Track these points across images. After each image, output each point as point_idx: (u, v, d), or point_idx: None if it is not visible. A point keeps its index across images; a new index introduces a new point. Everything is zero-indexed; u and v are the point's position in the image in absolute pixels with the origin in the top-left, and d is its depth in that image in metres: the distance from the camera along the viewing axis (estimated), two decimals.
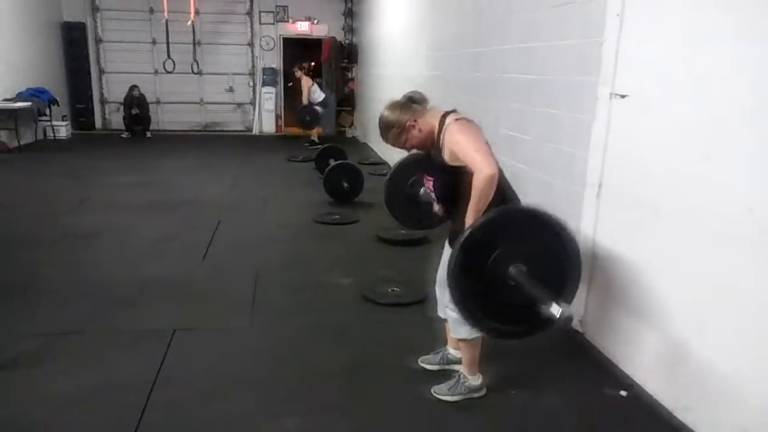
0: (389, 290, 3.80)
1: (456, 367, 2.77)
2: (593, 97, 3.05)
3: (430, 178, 2.47)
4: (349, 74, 12.57)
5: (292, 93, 12.48)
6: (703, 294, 2.33)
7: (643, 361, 2.72)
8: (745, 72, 2.15)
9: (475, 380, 2.59)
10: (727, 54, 2.23)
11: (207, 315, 3.47)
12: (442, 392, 2.59)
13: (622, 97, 2.88)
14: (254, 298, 3.71)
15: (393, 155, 8.71)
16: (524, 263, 1.91)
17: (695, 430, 2.37)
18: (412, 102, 2.40)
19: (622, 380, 2.79)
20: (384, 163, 8.91)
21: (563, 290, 2.03)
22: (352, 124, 12.87)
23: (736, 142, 2.18)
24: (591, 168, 3.10)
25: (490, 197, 2.19)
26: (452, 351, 2.83)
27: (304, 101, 10.23)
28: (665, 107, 2.58)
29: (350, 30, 12.38)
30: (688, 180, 2.42)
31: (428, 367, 2.85)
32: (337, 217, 5.69)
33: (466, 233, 1.96)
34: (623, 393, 2.68)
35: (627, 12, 2.82)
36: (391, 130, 2.40)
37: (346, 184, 6.24)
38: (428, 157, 2.99)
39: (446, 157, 2.31)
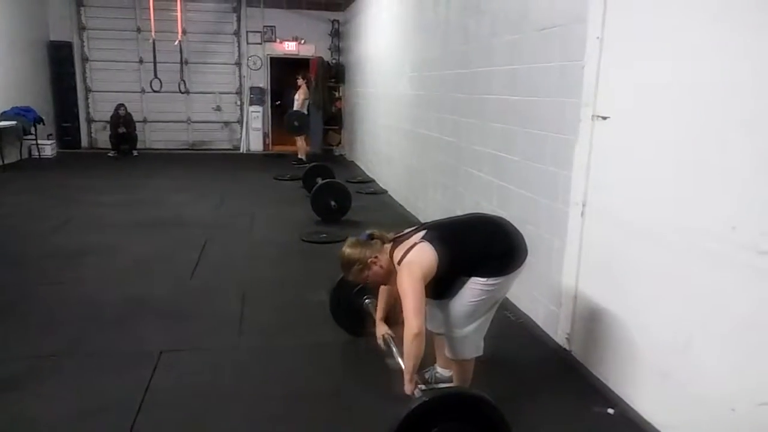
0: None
1: (444, 386, 2.79)
2: (576, 119, 3.12)
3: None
4: (336, 93, 12.66)
5: (279, 113, 12.59)
6: (689, 311, 2.37)
7: (630, 378, 2.74)
8: (726, 92, 2.21)
9: None
10: (707, 75, 2.29)
11: (194, 335, 3.46)
12: None
13: (604, 118, 2.94)
14: (242, 317, 3.71)
15: (381, 174, 8.81)
16: None
17: None
18: (372, 238, 2.49)
19: (609, 398, 2.81)
20: (371, 181, 8.98)
21: None
22: (339, 142, 12.93)
23: (718, 161, 2.23)
24: (575, 188, 3.16)
25: (421, 352, 2.29)
26: (440, 369, 2.85)
27: (296, 107, 10.40)
28: (646, 128, 2.65)
29: (337, 50, 12.49)
30: (671, 199, 2.48)
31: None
32: (325, 235, 5.70)
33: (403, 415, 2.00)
34: (610, 411, 2.71)
35: (607, 35, 2.90)
36: (352, 267, 2.51)
37: (333, 203, 6.27)
38: None
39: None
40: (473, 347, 2.52)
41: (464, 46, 4.86)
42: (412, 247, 2.40)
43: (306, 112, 10.70)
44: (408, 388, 2.31)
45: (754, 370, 2.09)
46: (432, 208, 5.91)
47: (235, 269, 4.70)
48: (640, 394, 2.68)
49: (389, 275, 2.50)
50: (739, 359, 2.15)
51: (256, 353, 3.26)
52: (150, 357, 3.10)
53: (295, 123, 10.49)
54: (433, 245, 2.37)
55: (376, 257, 2.48)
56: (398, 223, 6.39)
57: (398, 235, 2.56)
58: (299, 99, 10.51)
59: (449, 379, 2.82)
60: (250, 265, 4.81)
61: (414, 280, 2.30)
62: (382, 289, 2.77)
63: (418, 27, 6.46)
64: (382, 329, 2.75)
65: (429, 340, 2.78)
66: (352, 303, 3.21)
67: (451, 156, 5.27)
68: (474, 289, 2.42)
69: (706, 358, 2.29)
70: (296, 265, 4.90)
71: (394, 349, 2.58)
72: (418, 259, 2.36)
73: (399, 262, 2.41)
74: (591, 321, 3.08)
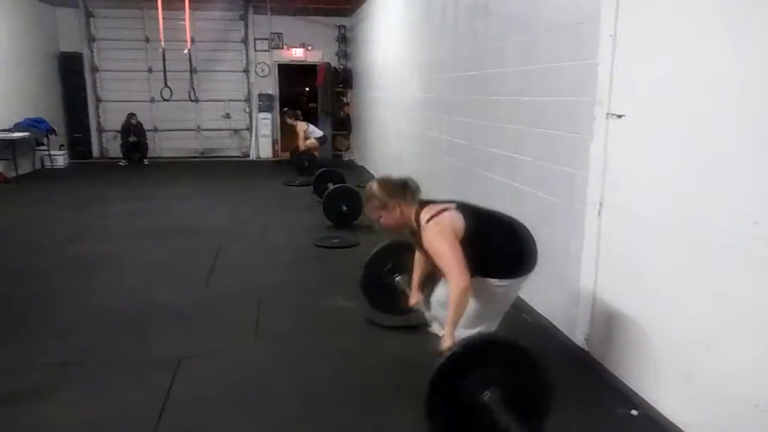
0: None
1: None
2: (590, 117, 3.10)
3: (429, 259, 2.55)
4: (345, 99, 12.69)
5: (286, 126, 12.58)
6: (710, 308, 2.35)
7: (652, 378, 2.72)
8: (744, 87, 2.19)
9: None
10: (723, 70, 2.28)
11: (212, 341, 3.47)
12: None
13: (619, 116, 2.93)
14: (258, 323, 3.71)
15: (384, 170, 8.76)
16: (498, 390, 1.97)
17: None
18: (405, 187, 2.47)
19: (631, 399, 2.78)
20: None
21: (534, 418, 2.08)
22: (348, 147, 12.95)
23: (738, 156, 2.22)
24: (591, 187, 3.14)
25: (467, 305, 2.30)
26: None
27: (301, 146, 10.21)
28: (662, 125, 2.63)
29: (344, 55, 12.53)
30: (689, 195, 2.46)
31: None
32: (337, 240, 5.71)
33: (443, 360, 2.02)
34: (634, 412, 2.68)
35: (620, 32, 2.88)
36: (372, 201, 2.52)
37: (345, 208, 6.27)
38: (404, 246, 3.08)
39: (426, 252, 2.43)
40: None
41: (474, 48, 4.86)
42: (442, 210, 2.41)
43: (319, 132, 10.48)
44: (448, 341, 2.30)
45: None
46: None
47: (249, 275, 4.71)
48: (663, 394, 2.65)
49: (403, 227, 2.49)
50: (763, 355, 2.13)
51: (273, 358, 3.26)
52: (170, 363, 3.11)
53: (306, 164, 10.12)
54: (463, 216, 2.38)
55: (398, 204, 2.45)
56: None
57: (429, 200, 2.54)
58: (300, 134, 10.13)
59: None
60: (264, 271, 4.82)
61: (447, 236, 2.32)
62: (418, 257, 2.76)
63: (426, 30, 6.46)
64: (417, 297, 2.77)
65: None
66: (384, 280, 3.19)
67: (462, 158, 5.26)
68: (483, 288, 2.41)
69: (730, 355, 2.27)
70: (310, 270, 4.90)
71: (427, 314, 2.60)
72: (447, 221, 2.37)
73: (427, 221, 2.39)
74: (610, 321, 3.05)
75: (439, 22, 5.87)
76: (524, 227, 2.63)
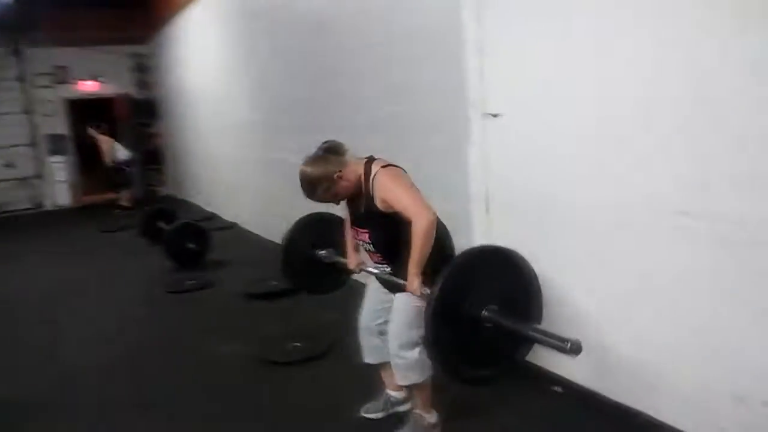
0: (291, 346, 3.55)
1: (401, 408, 2.68)
2: (465, 119, 3.20)
3: (364, 231, 2.35)
4: (151, 130, 11.76)
5: (87, 159, 11.29)
6: (610, 284, 2.56)
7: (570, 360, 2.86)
8: (608, 83, 2.45)
9: (432, 418, 2.50)
10: (591, 68, 2.51)
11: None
12: None
13: (495, 116, 3.06)
14: (139, 395, 3.20)
15: (224, 207, 8.31)
16: (495, 304, 1.91)
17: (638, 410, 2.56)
18: (332, 153, 2.29)
19: (554, 379, 2.90)
20: (213, 216, 8.43)
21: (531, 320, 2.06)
22: (163, 181, 12.02)
23: (604, 145, 2.51)
24: (475, 186, 3.23)
25: (432, 243, 2.17)
26: (393, 393, 2.71)
27: (108, 161, 9.46)
28: (536, 121, 2.81)
29: (144, 85, 11.61)
30: (571, 182, 2.67)
31: (373, 416, 2.69)
32: (193, 282, 5.20)
33: (441, 280, 1.89)
34: (558, 389, 2.81)
35: (487, 36, 3.00)
36: (319, 186, 2.26)
37: (192, 245, 5.76)
38: (318, 219, 2.90)
39: (378, 205, 2.24)
40: (423, 365, 2.39)
41: (323, 62, 4.79)
42: (393, 165, 2.29)
43: (127, 153, 9.75)
44: (413, 285, 2.15)
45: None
46: None
47: (99, 341, 4.05)
48: (581, 370, 2.80)
49: (356, 189, 2.29)
50: (670, 328, 2.36)
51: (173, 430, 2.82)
52: None
53: (117, 179, 9.53)
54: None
55: (340, 171, 2.25)
56: (264, 255, 6.12)
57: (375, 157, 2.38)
58: (105, 148, 9.54)
59: (403, 401, 2.70)
60: (117, 333, 4.18)
61: (402, 177, 2.23)
62: (347, 222, 2.58)
63: (255, 51, 6.23)
64: (356, 259, 2.62)
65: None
66: (307, 258, 2.93)
67: None
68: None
69: (641, 330, 2.48)
70: (175, 320, 4.39)
71: (372, 270, 2.48)
72: (401, 171, 2.27)
73: (380, 169, 2.24)
74: None
75: (267, 43, 5.69)
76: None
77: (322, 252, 2.91)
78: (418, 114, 3.61)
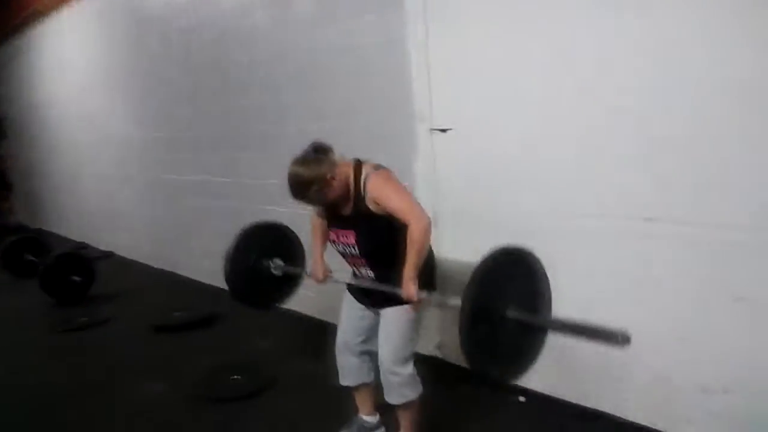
0: (230, 380, 3.26)
1: None
2: (411, 134, 3.20)
3: (349, 233, 2.21)
4: None
5: None
6: (568, 286, 2.67)
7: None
8: (561, 98, 2.60)
9: None
10: (540, 78, 2.65)
11: None
12: None
13: (443, 131, 3.10)
14: None
15: (97, 235, 7.49)
16: (520, 302, 1.89)
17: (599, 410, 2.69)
18: (323, 154, 2.16)
19: (516, 389, 2.91)
20: (84, 246, 7.59)
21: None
22: (10, 210, 10.62)
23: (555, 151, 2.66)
24: (422, 200, 3.22)
25: (428, 246, 2.14)
26: (367, 418, 2.59)
27: None
28: (489, 135, 2.89)
29: None
30: (520, 190, 2.80)
31: None
32: (85, 318, 4.61)
33: (473, 285, 1.82)
34: (522, 399, 2.86)
35: (432, 52, 3.04)
36: (310, 188, 2.12)
37: (76, 278, 5.13)
38: (262, 228, 2.73)
39: (370, 207, 2.15)
40: (416, 381, 2.35)
41: (228, 76, 4.54)
42: (382, 167, 2.23)
43: None
44: (409, 290, 2.07)
45: None
46: (206, 260, 5.34)
47: None
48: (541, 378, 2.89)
49: (345, 190, 2.18)
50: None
51: None
52: None
53: None
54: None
55: (332, 173, 2.13)
56: (156, 284, 5.63)
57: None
58: None
59: (376, 426, 2.59)
60: (10, 382, 3.56)
61: (396, 181, 2.18)
62: (317, 227, 2.46)
63: (144, 60, 5.74)
64: (324, 268, 2.49)
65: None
66: (256, 271, 2.68)
67: (232, 197, 4.85)
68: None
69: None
70: (73, 364, 3.81)
71: (345, 280, 2.41)
72: (391, 173, 2.22)
73: (373, 170, 2.18)
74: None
75: (171, 50, 5.27)
76: None
77: (271, 263, 2.72)
78: (364, 131, 3.51)
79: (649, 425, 2.52)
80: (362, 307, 2.41)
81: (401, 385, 2.29)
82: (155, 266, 6.19)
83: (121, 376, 3.52)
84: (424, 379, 2.38)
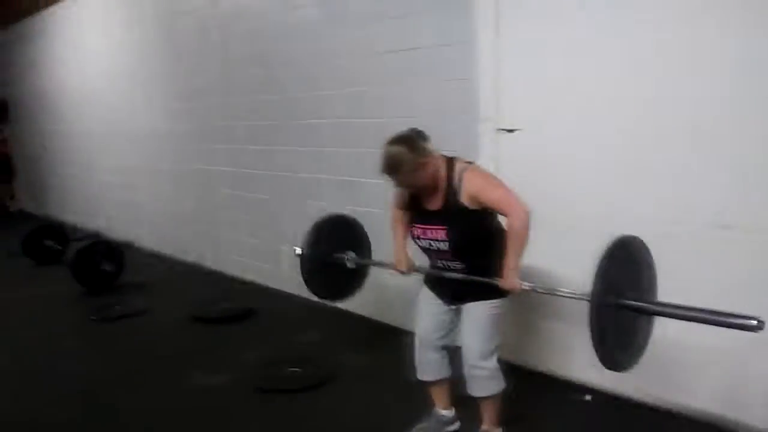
0: (288, 372, 3.29)
1: (451, 428, 2.63)
2: (474, 135, 3.23)
3: (439, 228, 2.24)
4: None
5: None
6: None
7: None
8: (627, 94, 2.66)
9: None
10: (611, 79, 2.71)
11: None
12: None
13: (510, 131, 3.14)
14: None
15: (114, 224, 7.39)
16: (636, 290, 1.96)
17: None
18: (421, 139, 2.19)
19: (580, 388, 2.97)
20: (96, 236, 7.49)
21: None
22: (13, 196, 10.48)
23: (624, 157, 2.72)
24: None
25: (528, 238, 2.17)
26: (444, 412, 2.63)
27: None
28: (559, 135, 2.93)
29: None
30: (587, 195, 2.84)
31: None
32: (119, 307, 4.60)
33: (598, 278, 1.87)
34: (588, 398, 2.91)
35: (503, 49, 3.07)
36: (402, 167, 2.15)
37: (108, 267, 5.11)
38: (334, 221, 2.76)
39: (465, 201, 2.20)
40: (500, 376, 2.39)
41: (265, 70, 4.55)
42: (468, 162, 2.29)
43: None
44: (513, 280, 2.14)
45: None
46: (236, 251, 5.35)
47: (33, 386, 3.40)
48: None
49: (434, 182, 2.21)
50: None
51: None
52: None
53: None
54: None
55: (426, 158, 2.16)
56: (185, 276, 5.61)
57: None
58: None
59: (453, 420, 2.64)
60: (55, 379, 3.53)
61: (494, 176, 2.26)
62: (397, 218, 2.50)
63: (178, 54, 5.70)
64: (408, 261, 2.52)
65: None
66: (331, 264, 2.74)
67: (264, 190, 4.86)
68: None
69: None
70: (119, 352, 3.81)
71: (430, 271, 2.45)
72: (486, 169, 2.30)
73: (466, 165, 2.25)
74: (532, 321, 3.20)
75: (207, 45, 5.25)
76: None
77: (346, 256, 2.75)
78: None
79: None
80: (441, 302, 2.45)
81: (487, 379, 2.35)
82: (179, 258, 6.16)
83: (170, 366, 3.52)
84: None
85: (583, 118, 2.84)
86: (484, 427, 2.48)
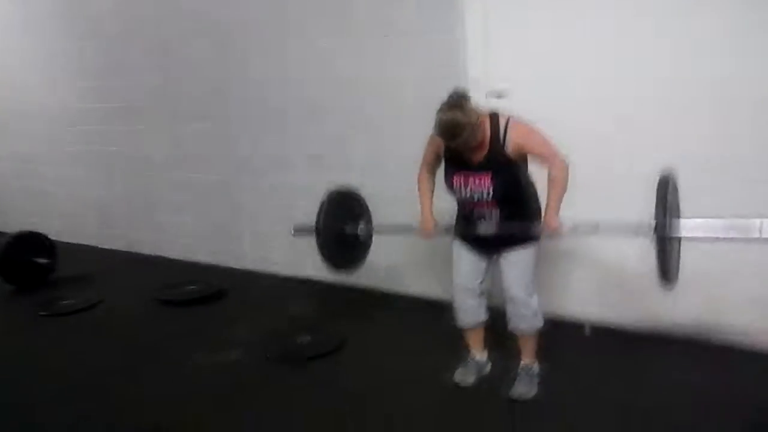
0: (297, 342, 3.28)
1: (486, 370, 2.82)
2: None
3: (484, 176, 2.36)
4: None
5: None
6: None
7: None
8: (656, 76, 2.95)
9: (537, 366, 2.71)
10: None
11: None
12: (527, 393, 2.61)
13: (499, 96, 3.32)
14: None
15: (26, 216, 6.48)
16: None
17: None
18: (469, 101, 2.30)
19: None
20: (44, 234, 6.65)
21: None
22: None
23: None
24: None
25: (567, 185, 2.34)
26: (479, 356, 2.81)
27: None
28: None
29: None
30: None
31: (468, 380, 2.74)
32: (68, 301, 4.22)
33: (662, 225, 2.14)
34: (588, 331, 3.22)
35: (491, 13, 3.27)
36: (464, 131, 2.25)
37: (42, 260, 4.65)
38: (343, 194, 2.84)
39: (510, 151, 2.35)
40: (540, 312, 2.58)
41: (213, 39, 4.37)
42: (511, 116, 2.40)
43: None
44: (556, 222, 2.31)
45: None
46: (181, 234, 5.10)
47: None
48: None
49: (484, 137, 2.35)
50: None
51: None
52: None
53: None
54: None
55: (479, 117, 2.30)
56: (123, 265, 5.26)
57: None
58: None
59: (488, 361, 2.83)
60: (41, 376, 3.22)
61: (537, 128, 2.36)
62: (424, 182, 2.61)
63: (93, 30, 5.24)
64: (433, 220, 2.62)
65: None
66: (345, 236, 2.78)
67: (211, 168, 4.72)
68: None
69: None
70: (92, 350, 3.51)
71: (453, 232, 2.60)
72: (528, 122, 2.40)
73: (509, 120, 2.37)
74: None
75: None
76: None
77: (358, 226, 2.81)
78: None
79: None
80: (476, 252, 2.60)
81: (532, 317, 2.56)
82: (105, 247, 5.72)
83: (167, 349, 3.35)
84: None
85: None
86: (525, 361, 2.69)
